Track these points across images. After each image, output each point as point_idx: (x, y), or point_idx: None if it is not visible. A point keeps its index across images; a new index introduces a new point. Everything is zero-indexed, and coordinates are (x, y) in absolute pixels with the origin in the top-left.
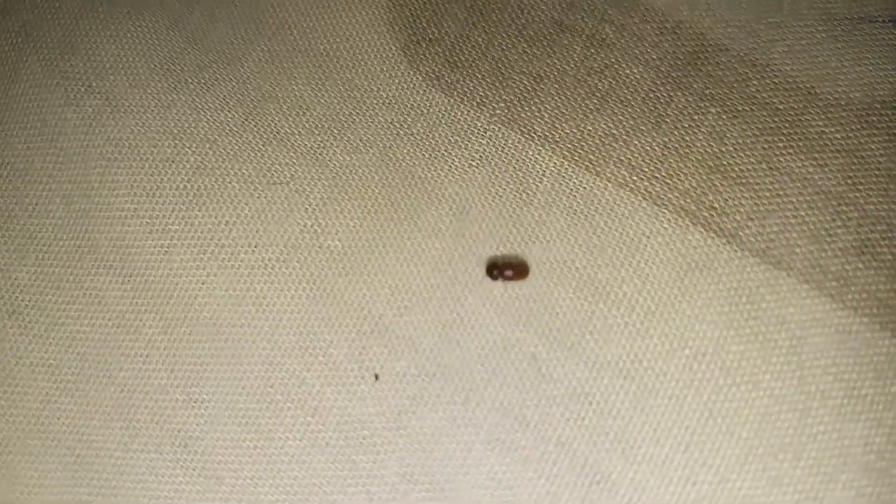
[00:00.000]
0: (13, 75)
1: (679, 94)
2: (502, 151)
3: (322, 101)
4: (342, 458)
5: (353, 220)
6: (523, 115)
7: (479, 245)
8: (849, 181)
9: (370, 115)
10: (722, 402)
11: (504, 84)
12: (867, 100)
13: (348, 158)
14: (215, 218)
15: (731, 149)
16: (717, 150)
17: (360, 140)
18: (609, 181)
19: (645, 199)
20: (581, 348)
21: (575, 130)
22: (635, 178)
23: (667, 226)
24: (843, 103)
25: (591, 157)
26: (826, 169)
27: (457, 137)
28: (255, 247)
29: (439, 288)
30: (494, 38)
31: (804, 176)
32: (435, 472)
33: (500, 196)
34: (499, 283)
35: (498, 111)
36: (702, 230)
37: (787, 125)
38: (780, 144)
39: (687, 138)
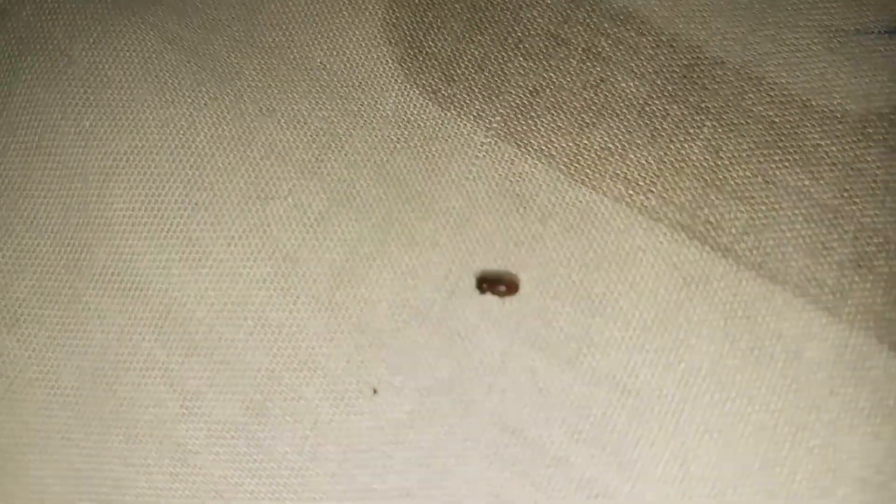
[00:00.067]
0: (10, 89)
1: (675, 107)
2: (499, 165)
3: (319, 115)
4: (341, 472)
5: (351, 233)
6: (520, 129)
7: (477, 259)
8: (845, 194)
9: (367, 129)
10: (718, 416)
11: (500, 97)
12: (863, 112)
13: (346, 172)
14: (213, 232)
15: (727, 162)
16: (712, 164)
17: (358, 154)
18: (605, 195)
19: (641, 213)
20: (578, 362)
21: (571, 144)
22: (631, 191)
23: (662, 240)
24: (839, 116)
25: (587, 170)
26: (822, 182)
27: (453, 151)
28: (254, 261)
29: (437, 302)
30: (491, 52)
31: (800, 189)
32: (433, 487)
33: (497, 210)
34: (496, 298)
35: (494, 125)
36: (698, 244)
37: (782, 138)
38: (776, 158)
39: (682, 152)
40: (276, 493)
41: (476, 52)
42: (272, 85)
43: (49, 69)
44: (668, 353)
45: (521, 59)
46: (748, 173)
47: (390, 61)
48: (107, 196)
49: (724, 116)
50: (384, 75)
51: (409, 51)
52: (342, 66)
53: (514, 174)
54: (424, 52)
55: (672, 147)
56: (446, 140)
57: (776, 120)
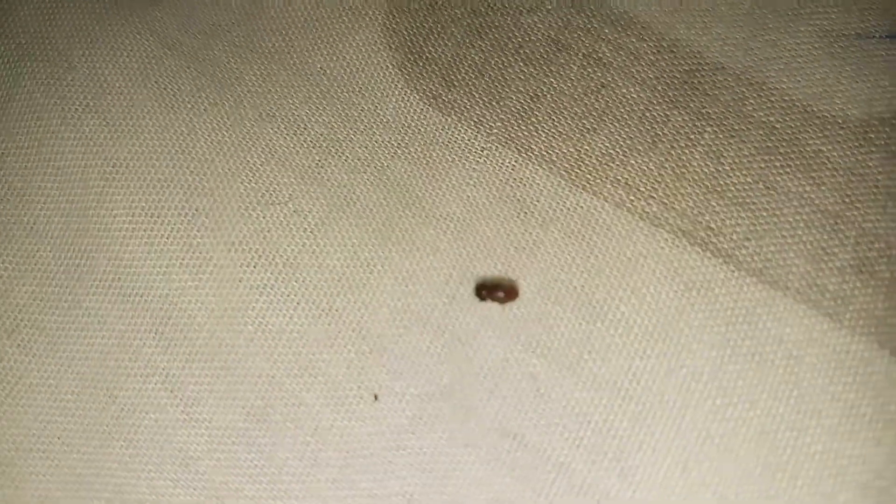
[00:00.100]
0: (9, 96)
1: (675, 112)
2: (499, 170)
3: (320, 120)
4: (342, 477)
5: (352, 239)
6: (520, 134)
7: (478, 264)
8: (846, 199)
9: (368, 135)
10: (719, 421)
11: (501, 103)
12: (865, 117)
13: (346, 178)
14: (214, 238)
15: (728, 168)
16: (713, 170)
17: (358, 159)
18: (606, 201)
19: (642, 218)
20: (579, 368)
21: (572, 149)
22: (632, 197)
23: (664, 246)
24: (840, 121)
25: (588, 176)
26: (823, 187)
27: (454, 156)
28: (254, 267)
29: (438, 307)
30: (491, 58)
31: (801, 195)
32: (434, 492)
33: (498, 215)
34: (497, 304)
35: (495, 130)
36: (699, 250)
37: (783, 144)
38: (777, 163)
39: (683, 157)
40: (277, 499)
41: (476, 58)
42: (272, 90)
43: (49, 75)
44: (669, 359)
45: (521, 64)
46: (749, 179)
47: (390, 67)
48: (107, 202)
49: (725, 122)
50: (384, 81)
51: (410, 56)
52: (342, 71)
53: (515, 180)
54: (424, 57)
55: (673, 153)
56: (447, 145)
57: (777, 125)
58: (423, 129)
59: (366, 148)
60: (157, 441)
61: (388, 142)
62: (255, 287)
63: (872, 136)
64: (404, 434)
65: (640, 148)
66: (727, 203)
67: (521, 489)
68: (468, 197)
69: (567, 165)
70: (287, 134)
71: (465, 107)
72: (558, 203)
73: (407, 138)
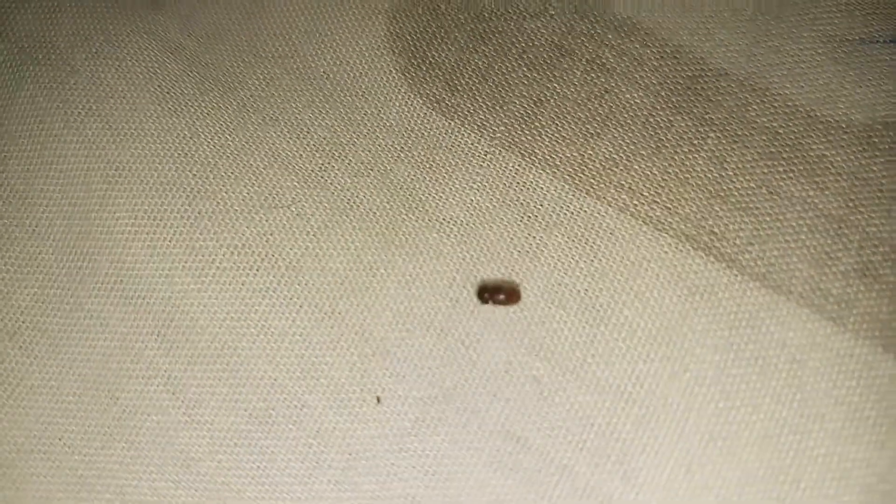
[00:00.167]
0: (12, 99)
1: (679, 118)
2: (503, 174)
3: (323, 124)
4: (344, 479)
5: (355, 242)
6: (524, 139)
7: (481, 268)
8: (850, 204)
9: (371, 139)
10: (723, 424)
11: (504, 108)
12: (868, 121)
13: (349, 181)
14: (216, 241)
15: (731, 173)
16: (717, 175)
17: (361, 163)
18: (609, 205)
19: (645, 223)
20: (583, 372)
21: (575, 154)
22: (636, 202)
23: (667, 250)
24: (843, 126)
25: (592, 181)
26: (827, 192)
27: (457, 160)
28: (257, 270)
29: (441, 311)
30: (494, 62)
31: (804, 200)
32: (438, 495)
33: (501, 219)
34: (500, 307)
35: (498, 134)
36: (702, 255)
37: (787, 149)
38: (780, 168)
39: (687, 163)
40: (279, 501)
41: (480, 62)
42: (275, 94)
43: (51, 78)
44: (672, 363)
45: (524, 69)
46: (752, 184)
47: (394, 71)
48: (109, 205)
49: (728, 128)
50: (388, 85)
51: (413, 60)
52: (346, 75)
53: (519, 184)
54: (428, 61)
55: (676, 158)
56: (450, 149)
57: (780, 131)
58: (426, 133)
59: (369, 152)
60: (159, 443)
61: (392, 146)
62: (258, 290)
63: (876, 140)
64: (407, 437)
65: (644, 153)
66: (730, 208)
67: (524, 492)
68: (471, 201)
69: (570, 170)
70: (290, 138)
71: (468, 111)
72: (562, 207)
73: (410, 142)
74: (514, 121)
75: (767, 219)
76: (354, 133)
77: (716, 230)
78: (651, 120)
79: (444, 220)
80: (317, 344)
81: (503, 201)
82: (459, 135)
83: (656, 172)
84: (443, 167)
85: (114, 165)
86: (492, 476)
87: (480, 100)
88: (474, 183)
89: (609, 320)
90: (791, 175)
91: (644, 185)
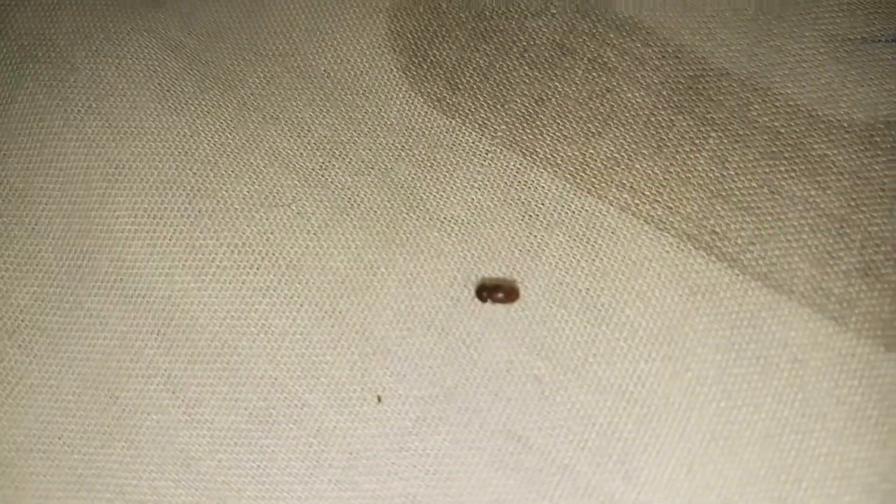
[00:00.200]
0: (12, 97)
1: (680, 118)
2: (504, 173)
3: (324, 123)
4: (345, 479)
5: (356, 241)
6: (525, 138)
7: (482, 267)
8: (852, 203)
9: (372, 137)
10: (724, 424)
11: (505, 106)
12: (870, 121)
13: (350, 180)
14: (217, 240)
15: (733, 173)
16: (718, 175)
17: (362, 162)
18: (611, 204)
19: (647, 223)
20: (584, 371)
21: (577, 153)
22: (637, 201)
23: (669, 250)
24: (845, 125)
25: (593, 180)
26: (829, 192)
27: (458, 159)
28: (257, 269)
29: (442, 310)
30: (496, 61)
31: (806, 199)
32: (438, 494)
33: (502, 218)
34: (501, 306)
35: (499, 133)
36: (704, 254)
37: (788, 149)
38: (782, 168)
39: (689, 162)
40: (279, 500)
41: (481, 61)
42: (276, 93)
43: (51, 76)
44: (674, 362)
45: (526, 68)
46: (754, 184)
47: (395, 70)
48: (109, 203)
49: (729, 127)
50: (388, 83)
51: (414, 59)
52: (346, 74)
53: (520, 183)
54: (429, 60)
55: (678, 157)
56: (451, 148)
57: (782, 130)
58: (427, 132)
59: (370, 150)
60: (159, 442)
61: (393, 144)
62: (259, 289)
63: (878, 139)
64: (408, 436)
65: (645, 152)
66: (732, 207)
67: (525, 492)
68: (472, 200)
69: (572, 169)
70: (291, 136)
71: (469, 110)
72: (563, 206)
73: (411, 141)
74: (515, 120)
75: (769, 218)
76: (355, 132)
77: (717, 230)
78: (653, 119)
79: (444, 218)
80: (317, 343)
81: (504, 200)
82: (460, 133)
83: (658, 172)
84: (444, 166)
85: (114, 163)
86: (493, 475)
87: (481, 98)
88: (475, 182)
89: (610, 320)
90: (793, 174)
91: (645, 185)
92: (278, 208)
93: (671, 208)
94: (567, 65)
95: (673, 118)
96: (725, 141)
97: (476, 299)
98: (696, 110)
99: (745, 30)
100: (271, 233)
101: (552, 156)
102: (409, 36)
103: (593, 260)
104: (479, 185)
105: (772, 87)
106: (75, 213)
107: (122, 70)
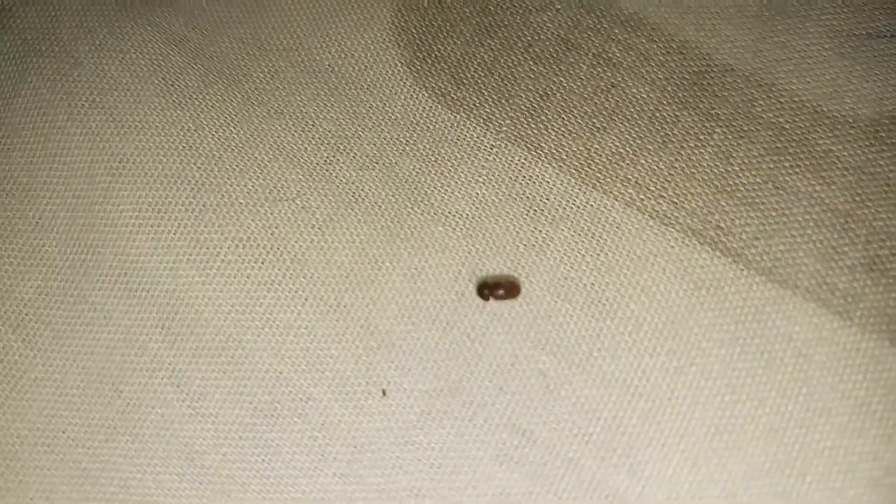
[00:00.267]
0: (15, 92)
1: (685, 113)
2: (509, 168)
3: (328, 117)
4: (350, 473)
5: (360, 236)
6: (530, 133)
7: (486, 262)
8: (857, 198)
9: (376, 132)
10: (728, 418)
11: (510, 101)
12: (875, 116)
13: (355, 175)
14: (221, 234)
15: (738, 168)
16: (723, 170)
17: (367, 156)
18: (616, 199)
19: (652, 217)
20: (589, 365)
21: (582, 148)
22: (642, 196)
23: (673, 244)
24: (850, 120)
25: (598, 175)
26: (833, 187)
27: (463, 154)
28: (262, 263)
29: (446, 304)
30: (500, 56)
31: (811, 194)
32: (443, 488)
33: (507, 213)
34: (503, 302)
35: (504, 128)
36: (708, 249)
37: (793, 144)
38: (787, 164)
39: (693, 158)
40: (284, 494)
41: (485, 56)
42: (280, 87)
43: (55, 71)
44: (678, 357)
45: (530, 63)
46: (759, 179)
47: (399, 64)
48: (113, 197)
49: (734, 123)
50: (393, 78)
51: (418, 54)
52: (351, 68)
53: (524, 177)
54: (433, 55)
55: (683, 153)
56: (455, 143)
57: (786, 126)
58: (431, 127)
59: (374, 145)
60: (163, 436)
61: (397, 139)
62: (263, 283)
63: (883, 134)
64: (413, 430)
65: (650, 147)
66: (736, 203)
67: (530, 485)
68: (477, 194)
69: (577, 164)
70: (295, 131)
71: (474, 104)
72: (568, 201)
73: (415, 135)
74: (520, 114)
75: (774, 214)
76: (360, 126)
77: (722, 225)
78: (657, 115)
79: (449, 213)
80: (322, 337)
81: (509, 195)
82: (465, 128)
83: (663, 167)
84: (448, 160)
85: (118, 158)
86: (498, 469)
87: (486, 93)
88: (480, 176)
89: (615, 314)
90: (797, 170)
91: (650, 180)
92: (283, 202)
93: (676, 203)
94: (572, 60)
95: (678, 114)
96: (730, 136)
97: (479, 299)
98: (701, 106)
99: (750, 26)
100: (276, 227)
101: (557, 151)
102: (414, 31)
103: (598, 255)
104: (484, 179)
105: (776, 82)
106: (79, 207)
107: (126, 64)
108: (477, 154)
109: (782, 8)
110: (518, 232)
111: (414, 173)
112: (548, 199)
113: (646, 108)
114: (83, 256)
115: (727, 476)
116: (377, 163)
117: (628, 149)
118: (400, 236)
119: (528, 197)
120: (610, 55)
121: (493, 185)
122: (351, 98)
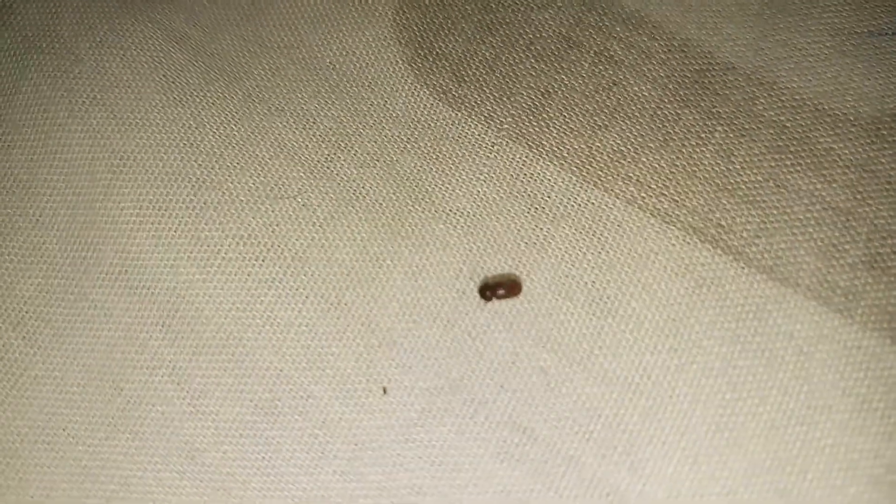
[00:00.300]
0: (16, 88)
1: (687, 111)
2: (510, 166)
3: (329, 115)
4: (351, 470)
5: (361, 233)
6: (531, 130)
7: (488, 260)
8: (858, 196)
9: (377, 130)
10: (729, 416)
11: (512, 99)
12: (876, 114)
13: (355, 172)
14: (222, 231)
15: (739, 167)
16: (724, 168)
17: (368, 154)
18: (617, 197)
19: (653, 215)
20: (590, 363)
21: (583, 146)
22: (643, 194)
23: (675, 243)
24: (851, 118)
25: (600, 173)
26: (834, 185)
27: (464, 152)
28: (263, 260)
29: (447, 302)
30: (502, 54)
31: (812, 192)
32: (444, 485)
33: (508, 210)
34: (505, 301)
35: (506, 126)
36: (709, 247)
37: (794, 142)
38: (788, 162)
39: (695, 156)
40: (284, 491)
41: (487, 54)
42: (281, 84)
43: (55, 67)
44: (679, 355)
45: (532, 60)
46: (759, 177)
47: (400, 62)
48: (114, 195)
49: (735, 121)
50: (394, 76)
51: (420, 51)
52: (352, 66)
53: (526, 175)
54: (435, 52)
55: (684, 151)
56: (457, 140)
57: (788, 124)
58: (433, 124)
59: (375, 143)
60: (164, 433)
61: (398, 136)
62: (264, 281)
63: (884, 132)
64: (413, 427)
65: (652, 145)
66: (738, 201)
67: (530, 483)
68: (478, 192)
69: (578, 162)
70: (296, 128)
71: (475, 102)
72: (569, 199)
73: (417, 133)
74: (521, 112)
75: (775, 211)
76: (360, 124)
77: (723, 223)
78: (659, 113)
79: (450, 211)
80: (323, 334)
81: (510, 193)
82: (466, 126)
83: (664, 165)
84: (449, 158)
85: (118, 155)
86: (498, 467)
87: (487, 91)
88: (481, 174)
89: (616, 312)
90: (798, 168)
91: (652, 178)
92: (284, 200)
93: (677, 201)
94: (573, 58)
95: (679, 112)
96: (731, 134)
97: (481, 300)
98: (703, 104)
99: (751, 24)
100: (277, 224)
101: (558, 148)
102: (415, 28)
103: (599, 253)
104: (485, 177)
105: (778, 80)
106: (80, 204)
107: (127, 61)
108: (478, 152)
109: (784, 6)
110: (519, 230)
111: (415, 171)
112: (549, 197)
113: (647, 106)
114: (83, 254)
115: (728, 474)
116: (378, 160)
117: (629, 147)
118: (401, 234)
119: (529, 195)
120: (611, 53)
121: (495, 183)
122: (352, 95)
